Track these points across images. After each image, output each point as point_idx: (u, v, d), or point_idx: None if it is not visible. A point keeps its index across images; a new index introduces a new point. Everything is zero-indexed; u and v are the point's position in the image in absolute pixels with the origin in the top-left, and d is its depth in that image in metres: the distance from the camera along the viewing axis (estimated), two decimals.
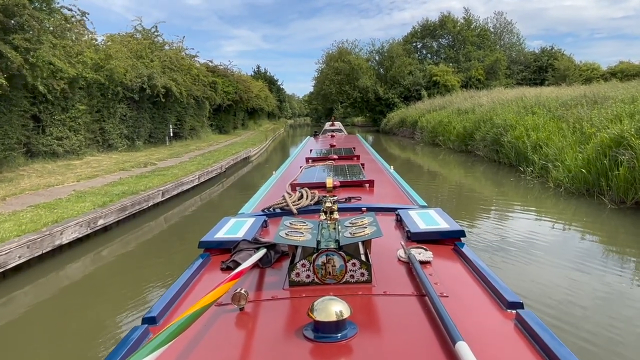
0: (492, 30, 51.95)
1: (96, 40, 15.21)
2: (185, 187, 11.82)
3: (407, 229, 2.30)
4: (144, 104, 18.38)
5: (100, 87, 15.15)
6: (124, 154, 16.91)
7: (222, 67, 32.12)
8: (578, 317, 4.62)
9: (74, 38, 13.49)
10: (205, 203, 12.06)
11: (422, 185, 13.94)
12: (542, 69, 48.86)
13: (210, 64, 31.82)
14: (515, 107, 16.85)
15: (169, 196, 10.78)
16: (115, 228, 8.68)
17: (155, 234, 9.32)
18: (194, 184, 12.63)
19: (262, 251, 1.91)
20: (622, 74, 41.15)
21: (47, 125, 13.05)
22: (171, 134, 21.92)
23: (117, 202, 8.71)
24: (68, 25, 12.25)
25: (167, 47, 21.60)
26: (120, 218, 8.65)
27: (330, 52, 49.25)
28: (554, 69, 46.03)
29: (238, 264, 1.84)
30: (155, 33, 21.27)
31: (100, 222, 7.92)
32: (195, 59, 24.76)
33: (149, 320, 1.52)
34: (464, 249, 2.05)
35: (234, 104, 32.71)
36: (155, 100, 18.34)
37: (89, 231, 7.62)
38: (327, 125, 17.50)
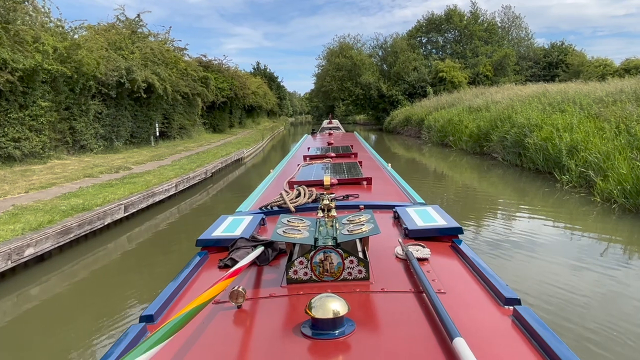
0: (499, 24, 49.93)
1: (63, 27, 13.36)
2: (157, 198, 10.00)
3: (404, 226, 2.28)
4: (123, 101, 16.54)
5: (69, 80, 13.32)
6: (99, 156, 15.11)
7: (216, 62, 30.26)
8: None
9: (34, 23, 11.65)
10: (184, 216, 10.25)
11: (429, 190, 12.25)
12: (553, 65, 46.87)
13: (203, 58, 30.03)
14: (538, 104, 14.97)
15: (134, 210, 8.97)
16: (56, 256, 6.88)
17: (114, 258, 7.54)
18: (170, 194, 10.81)
19: (260, 249, 1.90)
20: (637, 70, 39.24)
21: (0, 124, 11.24)
22: (157, 134, 20.10)
23: (59, 223, 6.91)
24: (14, 4, 10.36)
25: (152, 39, 19.71)
26: (63, 243, 6.85)
27: (332, 47, 47.28)
28: (567, 64, 44.03)
29: (236, 262, 1.82)
30: (140, 23, 19.38)
31: (29, 251, 6.12)
32: (185, 52, 22.87)
33: (147, 319, 1.49)
34: (462, 246, 2.02)
35: (229, 101, 30.85)
36: (137, 96, 16.50)
37: (11, 265, 5.82)
38: (325, 123, 17.12)
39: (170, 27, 22.34)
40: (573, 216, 9.14)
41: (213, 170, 14.61)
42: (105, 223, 7.98)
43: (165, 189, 10.43)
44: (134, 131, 17.96)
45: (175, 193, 11.12)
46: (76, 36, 14.21)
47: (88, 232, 7.49)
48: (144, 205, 9.36)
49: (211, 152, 18.63)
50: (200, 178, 13.07)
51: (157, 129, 20.01)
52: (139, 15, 19.18)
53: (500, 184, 13.37)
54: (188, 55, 23.62)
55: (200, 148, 20.22)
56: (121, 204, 8.47)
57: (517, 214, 9.53)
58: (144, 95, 16.14)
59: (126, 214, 8.70)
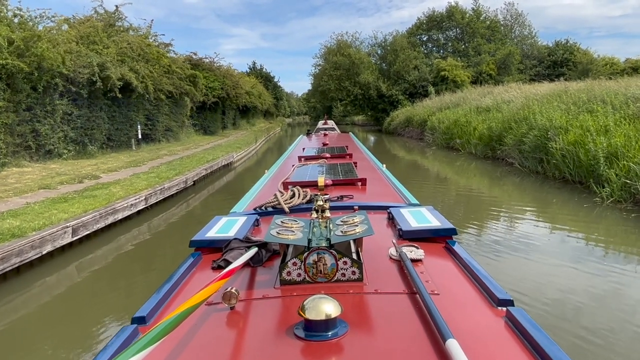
0: (502, 22, 48.42)
1: (22, 17, 11.75)
2: (120, 216, 8.40)
3: (398, 227, 2.29)
4: (97, 100, 14.92)
5: (30, 77, 11.73)
6: (69, 162, 13.52)
7: (207, 60, 28.67)
8: None
9: None
10: (155, 236, 8.65)
11: (432, 197, 10.90)
12: (557, 64, 45.38)
13: (193, 56, 28.47)
14: (560, 103, 13.42)
15: (86, 233, 7.37)
16: None
17: (53, 297, 5.96)
18: (139, 209, 9.22)
19: (254, 250, 1.88)
20: None
21: None
22: (139, 136, 18.49)
23: None
24: None
25: (132, 33, 18.07)
26: None
27: (329, 45, 45.61)
28: (574, 63, 42.56)
29: (229, 263, 1.81)
30: (118, 15, 17.74)
31: None
32: (170, 47, 21.25)
33: (138, 320, 1.47)
34: (456, 247, 2.03)
35: (220, 102, 29.25)
36: (114, 95, 14.87)
37: None
38: (320, 124, 17.00)
39: (152, 20, 20.74)
40: (611, 232, 7.69)
41: (195, 179, 13.02)
42: (44, 252, 6.38)
43: (131, 204, 8.83)
44: (111, 134, 16.33)
45: (145, 207, 9.52)
46: (41, 27, 12.61)
47: (19, 264, 5.90)
48: (101, 225, 7.76)
49: (197, 156, 17.02)
50: (178, 188, 11.47)
51: (139, 131, 18.41)
52: (117, 8, 17.54)
53: (515, 192, 11.81)
54: (174, 51, 22.03)
55: (186, 152, 18.62)
56: (68, 226, 6.87)
57: (538, 228, 8.14)
58: (119, 95, 14.51)
59: (76, 238, 7.11)
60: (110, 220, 8.05)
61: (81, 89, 13.59)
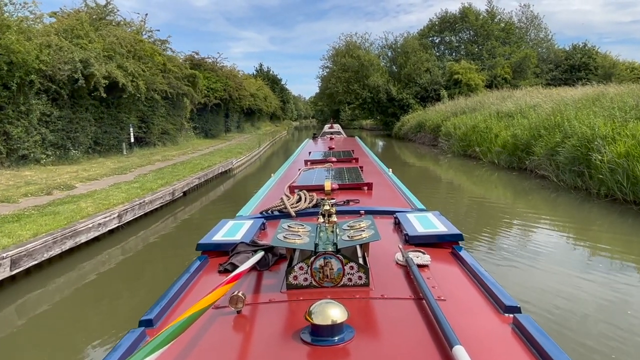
0: (517, 24, 46.73)
1: None
2: (83, 238, 6.94)
3: (405, 232, 2.27)
4: (82, 100, 13.56)
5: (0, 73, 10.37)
6: (48, 168, 12.15)
7: (209, 59, 27.34)
8: None
9: None
10: (127, 263, 7.19)
11: (445, 210, 9.31)
12: (575, 68, 43.60)
13: (195, 56, 27.19)
14: (599, 108, 11.84)
15: (34, 263, 5.92)
16: None
17: None
18: (111, 228, 7.77)
19: (260, 254, 1.89)
20: None
21: None
22: (132, 140, 17.11)
23: None
24: None
25: (125, 29, 16.71)
26: None
27: (338, 47, 44.10)
28: (596, 67, 40.80)
29: (236, 267, 1.81)
30: (110, 9, 16.38)
31: None
32: (167, 45, 19.88)
33: (146, 323, 1.47)
34: (462, 253, 2.00)
35: (223, 103, 27.88)
36: (98, 94, 13.47)
37: None
38: (327, 128, 16.95)
39: (147, 14, 19.29)
40: None
41: (186, 189, 11.57)
42: None
43: (100, 223, 7.38)
44: (98, 137, 14.95)
45: (119, 225, 8.07)
46: (15, 17, 11.25)
47: None
48: (55, 251, 6.31)
49: (192, 162, 15.60)
50: (163, 201, 10.01)
51: (132, 134, 17.02)
52: (108, 1, 16.15)
53: (544, 207, 10.21)
54: (171, 49, 20.66)
55: (181, 157, 17.20)
56: (4, 257, 5.42)
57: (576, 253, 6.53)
58: (104, 95, 13.13)
59: (19, 270, 5.66)
60: (69, 244, 6.59)
61: (62, 87, 12.22)
